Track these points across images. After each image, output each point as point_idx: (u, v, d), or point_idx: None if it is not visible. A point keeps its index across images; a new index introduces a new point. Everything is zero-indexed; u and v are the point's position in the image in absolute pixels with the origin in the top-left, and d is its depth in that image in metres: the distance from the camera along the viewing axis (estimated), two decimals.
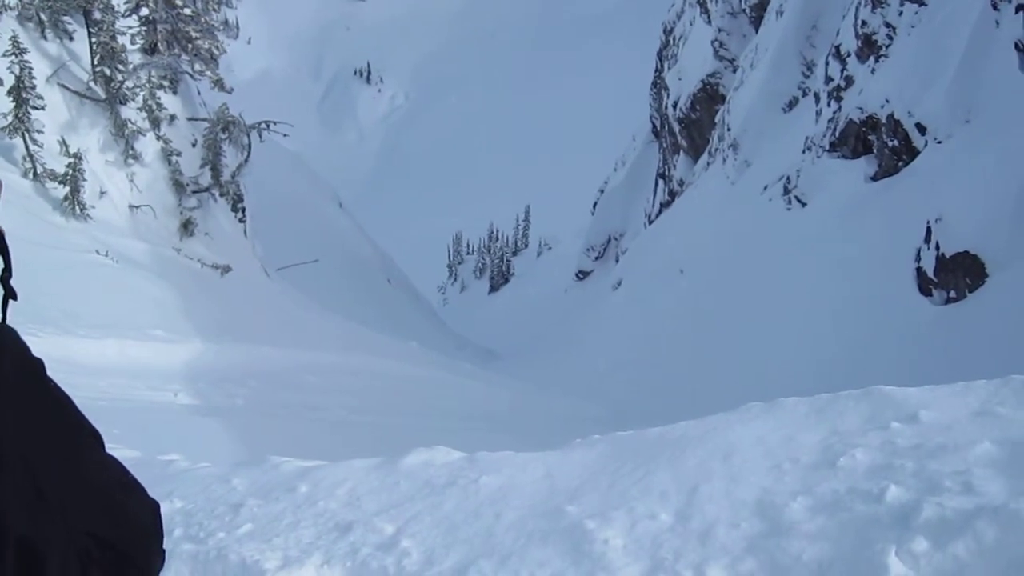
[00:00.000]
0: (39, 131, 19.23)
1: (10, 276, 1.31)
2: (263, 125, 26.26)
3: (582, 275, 61.73)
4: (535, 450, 5.39)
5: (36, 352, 1.21)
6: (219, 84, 24.94)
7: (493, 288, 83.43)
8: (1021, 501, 3.36)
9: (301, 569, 4.22)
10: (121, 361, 13.21)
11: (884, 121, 24.47)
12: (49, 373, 1.23)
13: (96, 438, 1.26)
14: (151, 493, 1.37)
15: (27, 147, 19.27)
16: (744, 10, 44.35)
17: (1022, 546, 3.24)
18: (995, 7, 20.67)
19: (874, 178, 25.03)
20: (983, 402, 4.53)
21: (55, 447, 1.16)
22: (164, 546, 1.36)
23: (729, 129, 38.19)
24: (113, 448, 1.31)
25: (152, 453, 6.70)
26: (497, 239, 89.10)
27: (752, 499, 4.03)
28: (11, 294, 1.30)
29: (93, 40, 21.72)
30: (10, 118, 18.90)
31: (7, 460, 1.08)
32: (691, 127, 47.99)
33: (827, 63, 30.63)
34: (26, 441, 1.11)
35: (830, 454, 4.29)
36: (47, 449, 1.14)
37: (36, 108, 19.06)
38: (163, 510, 4.37)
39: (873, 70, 26.84)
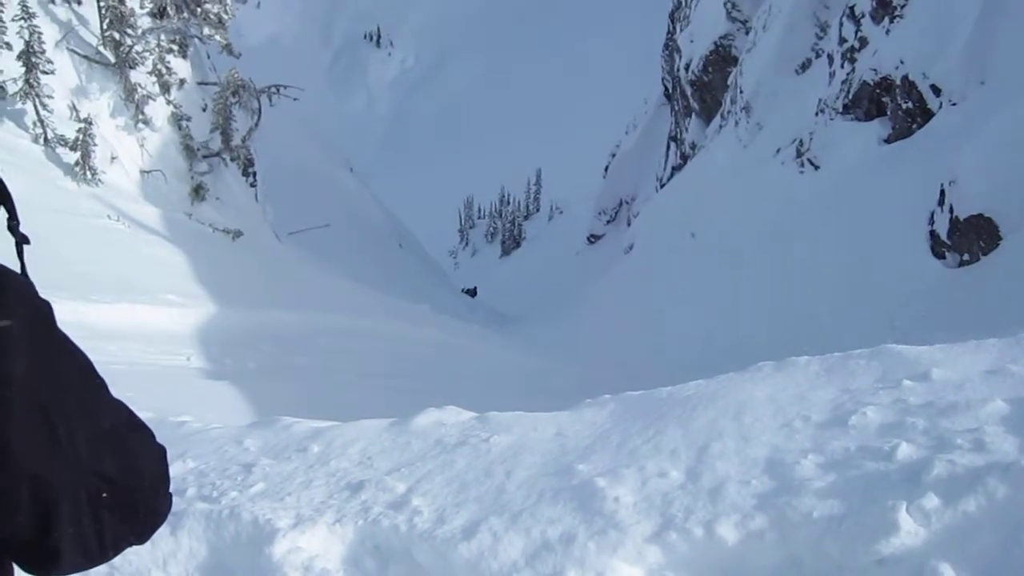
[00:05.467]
0: (49, 96, 19.19)
1: (18, 224, 1.32)
2: (273, 89, 26.17)
3: (593, 239, 61.70)
4: (546, 410, 5.39)
5: None
6: (228, 49, 24.79)
7: (504, 252, 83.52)
8: None
9: (313, 527, 4.25)
10: (133, 325, 13.26)
11: (898, 83, 24.25)
12: None
13: (103, 383, 1.27)
14: None
15: (37, 112, 19.25)
16: None
17: None
18: None
19: (887, 140, 24.84)
20: (995, 360, 4.52)
21: (67, 389, 1.18)
22: (171, 490, 1.38)
23: (741, 92, 37.89)
24: None
25: (165, 415, 6.74)
26: (508, 203, 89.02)
27: (763, 457, 4.04)
28: (22, 239, 1.32)
29: (101, 4, 21.61)
30: (20, 83, 18.88)
31: (21, 401, 1.11)
32: (703, 90, 47.63)
33: (841, 24, 30.29)
34: (39, 382, 1.13)
35: (841, 412, 4.28)
36: (59, 390, 1.16)
37: (46, 73, 19.02)
38: (176, 470, 4.41)
39: (888, 31, 26.54)
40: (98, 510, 1.20)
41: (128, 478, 1.24)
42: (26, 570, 1.22)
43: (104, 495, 1.21)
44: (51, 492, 1.14)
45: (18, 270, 1.23)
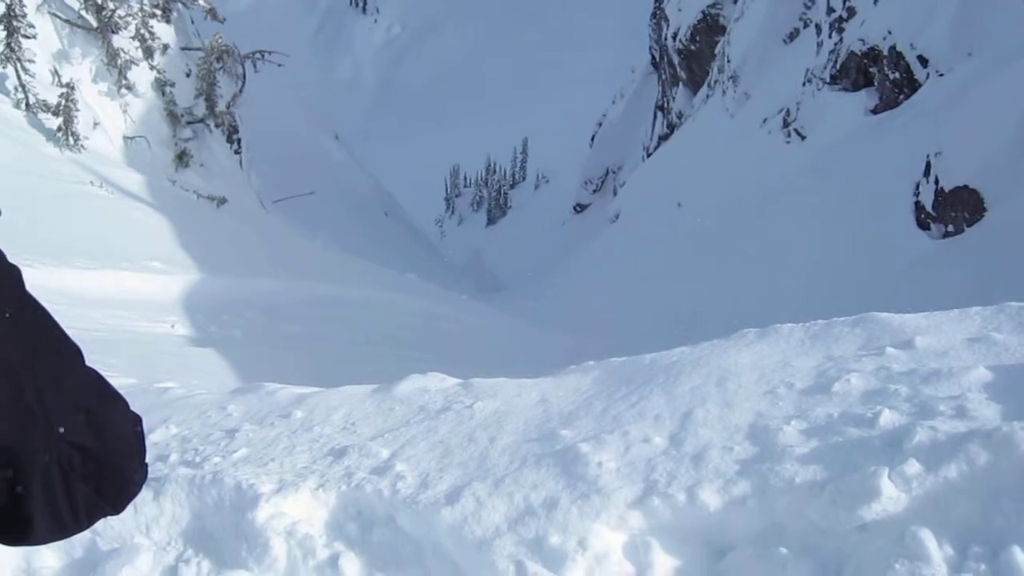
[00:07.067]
0: (31, 60, 19.00)
1: None
2: (258, 55, 25.95)
3: (580, 208, 61.55)
4: (530, 377, 5.39)
5: (30, 284, 1.19)
6: (212, 13, 24.54)
7: (491, 221, 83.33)
8: (1014, 425, 3.37)
9: (296, 493, 4.24)
10: (117, 292, 13.19)
11: (886, 53, 24.23)
12: (45, 304, 1.21)
13: (76, 351, 1.24)
14: (147, 420, 1.35)
15: (19, 77, 19.06)
16: None
17: (1013, 469, 3.25)
18: None
19: (874, 111, 24.85)
20: (978, 328, 4.54)
21: (37, 356, 1.14)
22: (146, 460, 1.35)
23: (729, 61, 37.78)
24: (110, 377, 1.29)
25: (148, 381, 6.71)
26: (494, 172, 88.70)
27: (746, 423, 4.05)
28: None
29: None
30: (1, 47, 18.67)
31: None
32: (691, 59, 47.42)
33: None
34: (8, 349, 1.09)
35: (824, 379, 4.29)
36: (29, 357, 1.12)
37: (27, 37, 18.82)
38: (159, 436, 4.38)
39: (876, 1, 26.47)
40: (71, 480, 1.17)
41: (101, 447, 1.22)
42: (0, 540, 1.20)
43: (77, 464, 1.18)
44: (22, 461, 1.11)
45: None
